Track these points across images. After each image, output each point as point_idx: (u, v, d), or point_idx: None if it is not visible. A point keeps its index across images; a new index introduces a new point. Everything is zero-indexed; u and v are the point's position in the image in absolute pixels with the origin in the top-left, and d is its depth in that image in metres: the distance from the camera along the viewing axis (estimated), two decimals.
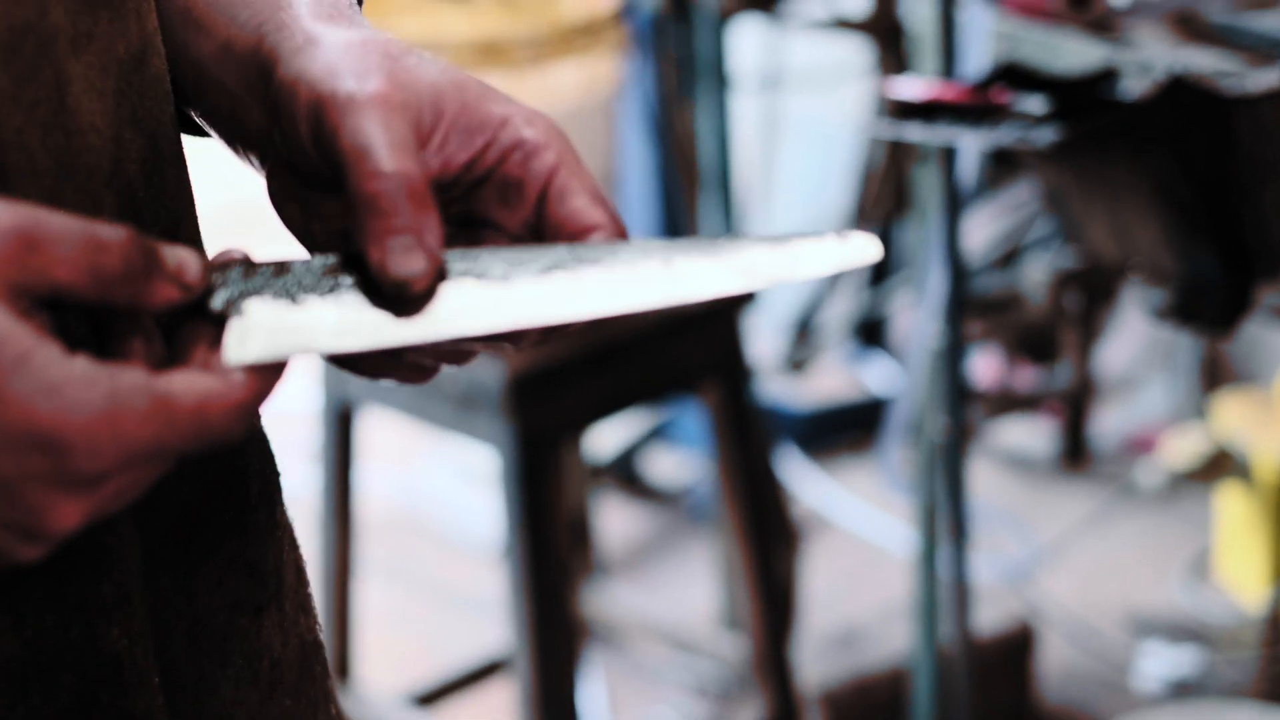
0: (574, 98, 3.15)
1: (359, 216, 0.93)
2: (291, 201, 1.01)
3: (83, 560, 0.94)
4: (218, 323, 0.89)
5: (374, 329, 0.91)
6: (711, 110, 3.80)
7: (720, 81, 3.80)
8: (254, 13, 1.02)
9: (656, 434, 4.45)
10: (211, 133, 1.07)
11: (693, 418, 4.23)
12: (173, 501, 1.02)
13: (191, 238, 1.05)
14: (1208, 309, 2.33)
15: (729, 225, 3.99)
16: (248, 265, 0.91)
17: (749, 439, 3.12)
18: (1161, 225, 2.28)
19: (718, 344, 3.06)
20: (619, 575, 4.13)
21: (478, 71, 3.15)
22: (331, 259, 0.93)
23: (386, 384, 1.03)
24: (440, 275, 0.93)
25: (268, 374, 0.88)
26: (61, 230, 0.83)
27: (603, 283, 0.93)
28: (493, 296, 0.92)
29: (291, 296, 0.91)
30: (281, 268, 0.92)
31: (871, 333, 4.85)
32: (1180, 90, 2.15)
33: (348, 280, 0.92)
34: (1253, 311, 2.35)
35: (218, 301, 0.89)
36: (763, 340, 4.66)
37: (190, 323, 0.89)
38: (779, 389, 4.62)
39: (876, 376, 4.77)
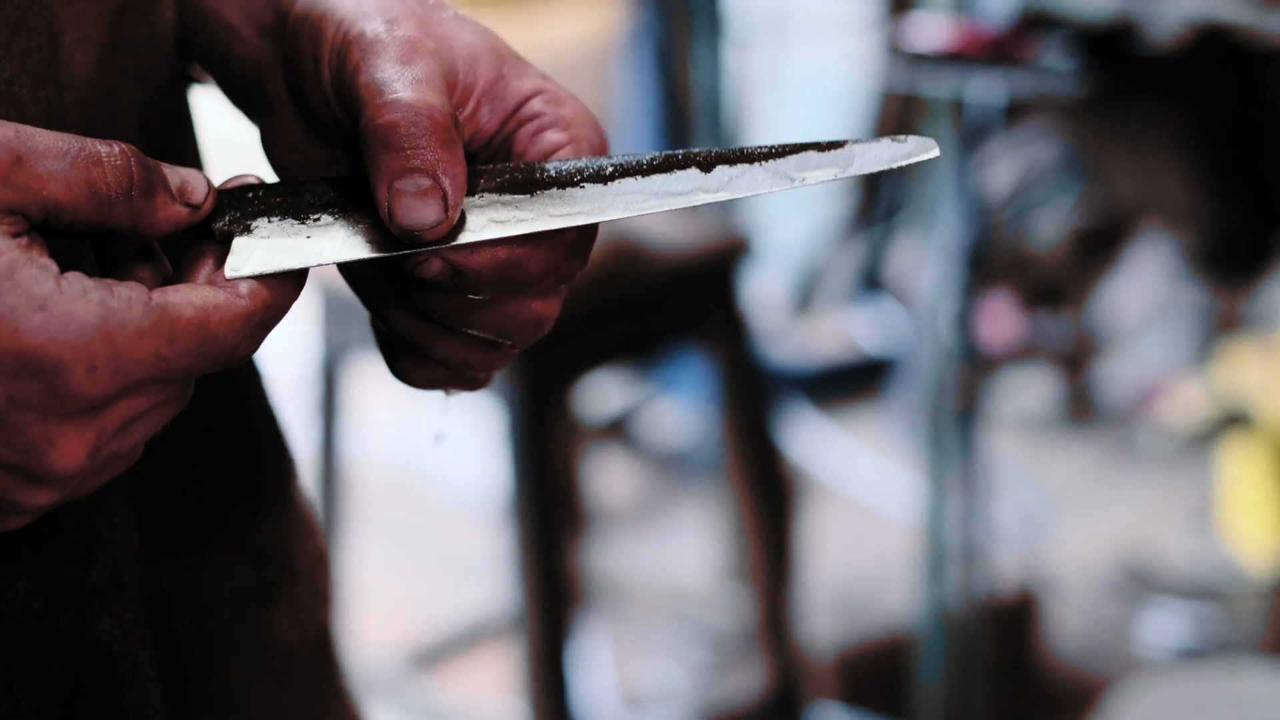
0: (576, 44, 3.10)
1: (370, 154, 0.83)
2: (294, 152, 0.92)
3: (72, 543, 0.88)
4: (224, 242, 0.83)
5: (383, 242, 0.83)
6: (707, 58, 3.75)
7: (715, 28, 3.75)
8: None
9: (654, 392, 4.41)
10: (206, 75, 1.00)
11: (691, 374, 4.19)
12: (173, 480, 0.96)
13: None
14: (1232, 256, 2.29)
15: None
16: (260, 187, 0.85)
17: (753, 392, 3.08)
18: (1187, 173, 2.23)
19: (720, 295, 3.02)
20: (617, 533, 4.10)
21: (479, 15, 3.10)
22: (346, 179, 0.86)
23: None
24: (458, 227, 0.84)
25: (275, 288, 0.81)
26: (51, 144, 0.77)
27: (641, 185, 0.85)
28: (520, 203, 0.85)
29: (300, 214, 0.84)
30: (295, 189, 0.85)
31: (874, 278, 4.81)
32: (1210, 44, 2.10)
33: (361, 197, 0.85)
34: (1276, 261, 2.31)
35: (224, 221, 0.83)
36: (767, 287, 4.61)
37: (196, 245, 0.83)
38: (782, 342, 4.58)
39: (881, 324, 4.73)
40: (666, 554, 4.04)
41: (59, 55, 0.87)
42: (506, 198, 0.85)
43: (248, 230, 0.83)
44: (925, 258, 3.11)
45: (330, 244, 0.83)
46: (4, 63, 0.84)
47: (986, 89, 2.30)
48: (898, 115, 4.31)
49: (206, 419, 0.98)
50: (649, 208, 0.85)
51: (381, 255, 0.83)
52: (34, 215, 0.76)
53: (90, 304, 0.75)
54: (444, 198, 0.82)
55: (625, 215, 0.85)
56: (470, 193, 0.85)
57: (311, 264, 0.82)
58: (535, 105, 0.89)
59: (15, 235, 0.75)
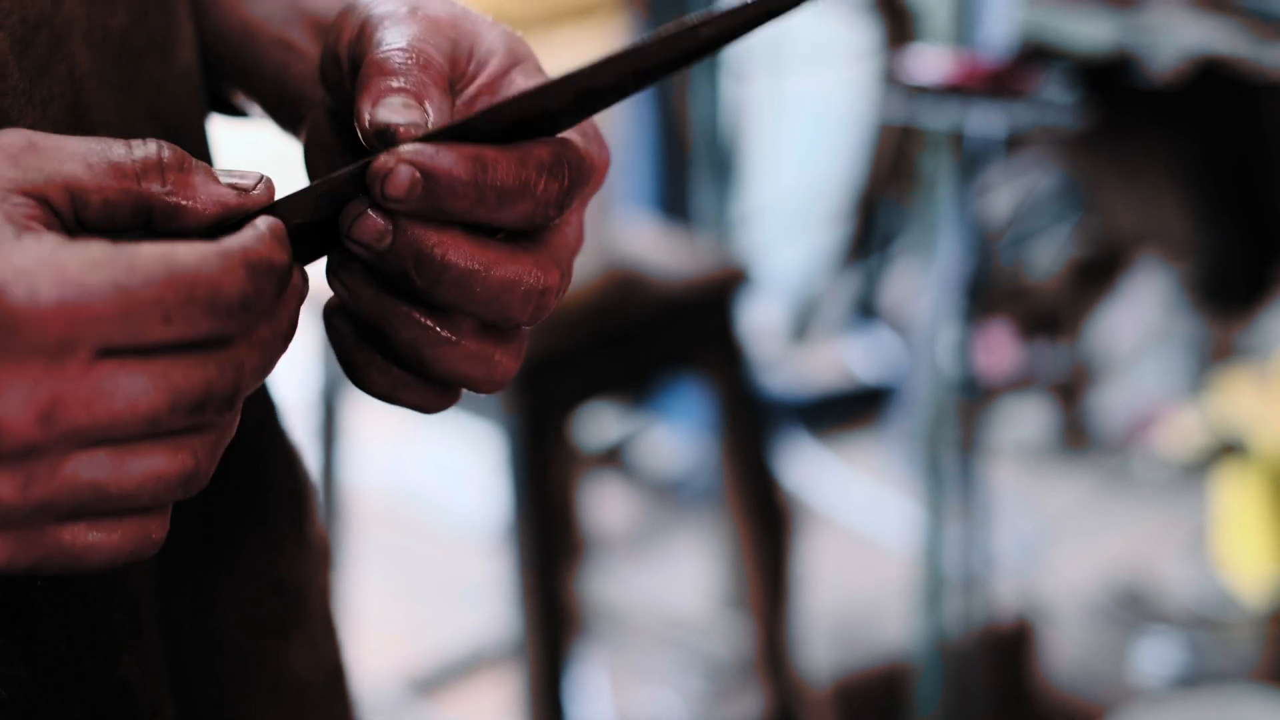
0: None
1: (360, 83, 0.81)
2: (331, 156, 0.91)
3: (96, 583, 0.87)
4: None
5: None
6: (705, 85, 3.76)
7: (713, 58, 3.75)
8: None
9: (651, 419, 4.42)
10: (250, 102, 0.99)
11: (687, 402, 4.19)
12: (188, 512, 0.95)
13: None
14: (1230, 286, 2.30)
15: (723, 200, 3.94)
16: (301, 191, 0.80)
17: (750, 420, 3.09)
18: (1185, 204, 2.25)
19: (718, 324, 3.03)
20: (615, 560, 4.10)
21: None
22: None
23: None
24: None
25: (264, 232, 0.74)
26: (70, 139, 0.74)
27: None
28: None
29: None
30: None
31: (870, 306, 4.82)
32: (1208, 77, 2.11)
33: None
34: (1272, 292, 2.32)
35: None
36: (764, 316, 4.62)
37: None
38: (779, 370, 4.58)
39: (877, 352, 4.74)
40: (663, 581, 4.04)
41: (81, 101, 0.86)
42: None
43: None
44: (922, 286, 3.12)
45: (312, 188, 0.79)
46: (25, 111, 0.83)
47: (986, 121, 2.31)
48: (895, 145, 4.32)
49: None
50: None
51: (348, 171, 0.79)
52: (56, 200, 0.72)
53: (44, 243, 0.69)
54: (425, 113, 0.80)
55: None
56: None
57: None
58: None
59: (20, 217, 0.71)
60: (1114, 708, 3.44)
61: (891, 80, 2.58)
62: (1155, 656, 3.65)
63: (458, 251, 0.79)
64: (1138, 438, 4.43)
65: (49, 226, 0.72)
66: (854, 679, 3.37)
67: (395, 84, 0.80)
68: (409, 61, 0.81)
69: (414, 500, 4.41)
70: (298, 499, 1.07)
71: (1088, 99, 2.20)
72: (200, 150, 0.99)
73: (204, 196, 0.76)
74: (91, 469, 0.70)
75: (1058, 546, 4.05)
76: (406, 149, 0.78)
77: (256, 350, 0.74)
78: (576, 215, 0.88)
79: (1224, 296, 2.29)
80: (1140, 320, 4.69)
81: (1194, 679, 3.60)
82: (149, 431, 0.71)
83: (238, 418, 0.76)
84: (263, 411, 1.05)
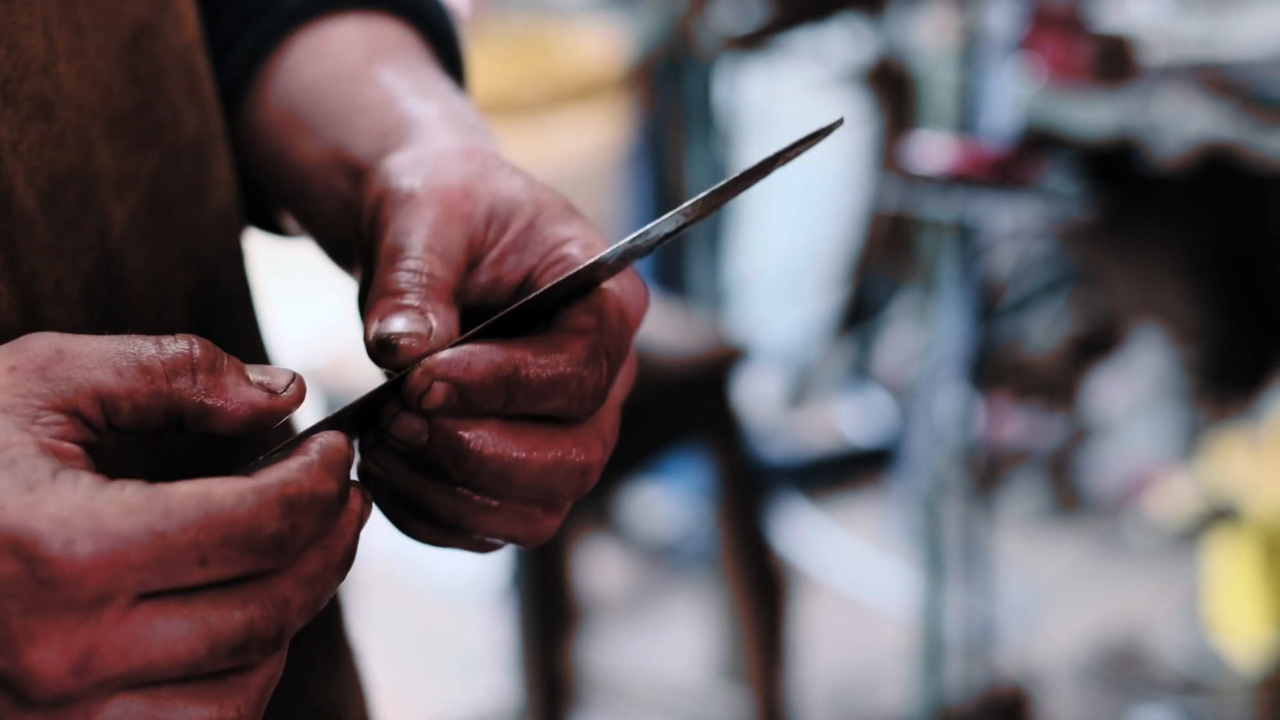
0: (582, 156, 3.13)
1: (370, 302, 0.81)
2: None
3: None
4: None
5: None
6: (700, 152, 3.77)
7: (708, 129, 3.78)
8: (375, 120, 0.94)
9: (645, 483, 4.41)
10: (309, 237, 1.00)
11: (682, 466, 4.19)
12: None
13: None
14: (1232, 372, 2.31)
15: (718, 268, 3.95)
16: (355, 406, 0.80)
17: (747, 487, 3.10)
18: (1189, 289, 2.26)
19: (716, 399, 3.04)
20: (610, 626, 4.09)
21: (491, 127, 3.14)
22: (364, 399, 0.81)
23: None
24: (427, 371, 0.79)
25: (303, 464, 0.74)
26: (96, 340, 0.73)
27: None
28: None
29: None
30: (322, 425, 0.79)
31: (865, 371, 4.83)
32: (1212, 165, 2.13)
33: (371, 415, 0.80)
34: (1273, 378, 2.33)
35: None
36: (760, 384, 4.63)
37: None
38: (776, 436, 4.58)
39: (872, 417, 4.74)
40: (659, 648, 4.03)
41: (109, 252, 0.86)
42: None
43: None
44: (918, 353, 3.13)
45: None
46: (54, 265, 0.83)
47: (990, 211, 2.32)
48: (890, 220, 4.33)
49: None
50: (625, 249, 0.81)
51: (372, 394, 0.79)
52: (87, 410, 0.72)
53: (80, 488, 0.68)
54: (428, 327, 0.80)
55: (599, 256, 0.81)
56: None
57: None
58: (567, 250, 0.86)
59: (51, 439, 0.70)
60: None
61: (890, 167, 2.59)
62: None
63: (495, 444, 0.80)
64: (1131, 503, 4.44)
65: (82, 439, 0.71)
66: None
67: (403, 301, 0.81)
68: (414, 285, 0.81)
69: (411, 566, 4.40)
70: (331, 617, 1.06)
71: (1092, 188, 2.22)
72: (236, 286, 0.98)
73: (235, 398, 0.74)
74: (128, 716, 0.69)
75: (1052, 612, 4.05)
76: (440, 360, 0.78)
77: (304, 586, 0.73)
78: (623, 370, 0.88)
79: (1224, 382, 2.30)
80: (1134, 383, 4.71)
81: None
82: (189, 675, 0.69)
83: (284, 657, 0.74)
84: None
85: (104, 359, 0.72)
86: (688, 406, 3.03)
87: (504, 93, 3.05)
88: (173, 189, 0.91)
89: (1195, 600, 4.01)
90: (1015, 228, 2.40)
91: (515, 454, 0.80)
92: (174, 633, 0.68)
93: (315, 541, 0.73)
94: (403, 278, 0.81)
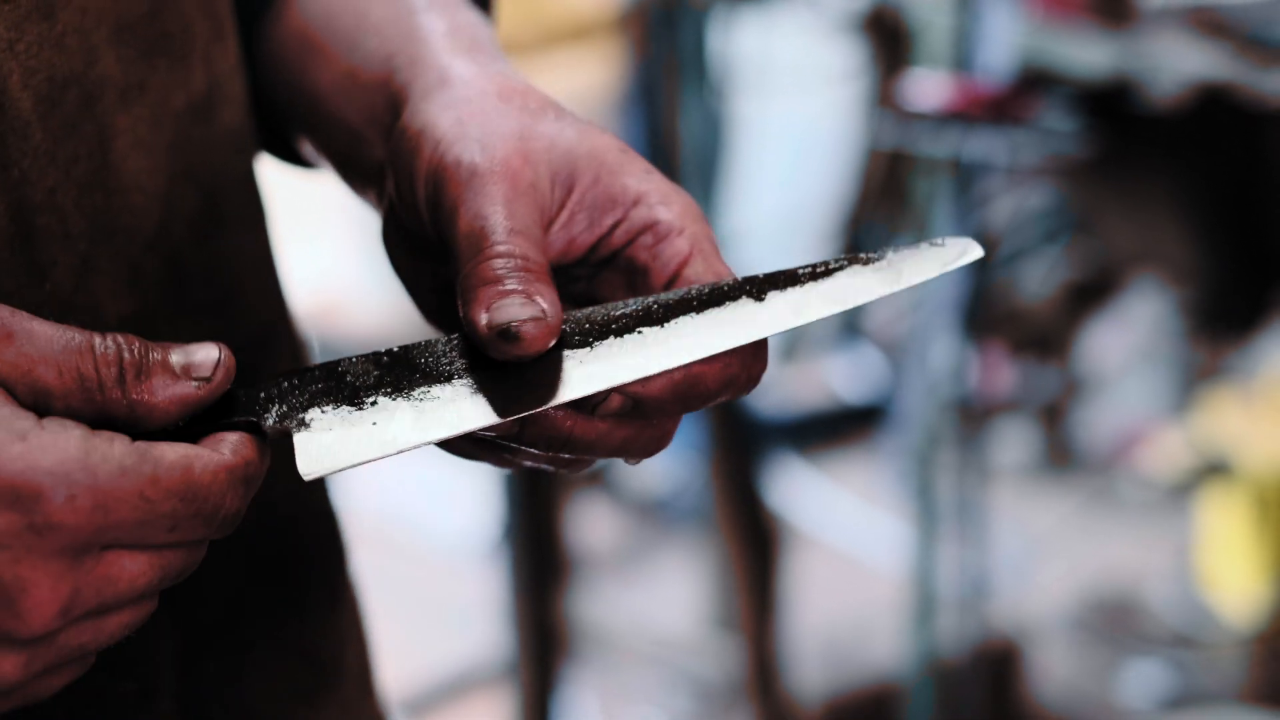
0: (574, 95, 3.11)
1: (466, 291, 0.81)
2: (402, 249, 0.90)
3: (101, 659, 0.84)
4: (278, 439, 0.79)
5: (456, 418, 0.79)
6: (693, 105, 3.76)
7: (703, 79, 3.76)
8: (383, 41, 0.92)
9: None
10: (326, 165, 0.98)
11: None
12: (217, 582, 0.95)
13: (250, 311, 0.96)
14: (1228, 311, 2.31)
15: (711, 220, 3.94)
16: (293, 374, 0.81)
17: (739, 441, 3.09)
18: (1185, 230, 2.25)
19: None
20: (603, 580, 4.10)
21: None
22: (384, 354, 0.82)
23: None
24: (554, 340, 0.80)
25: (259, 447, 0.78)
26: (44, 329, 0.74)
27: (693, 330, 0.83)
28: (581, 361, 0.82)
29: (353, 400, 0.80)
30: (331, 371, 0.81)
31: (856, 326, 4.82)
32: (1209, 104, 2.12)
33: (412, 373, 0.81)
34: (1269, 317, 2.33)
35: (272, 418, 0.79)
36: None
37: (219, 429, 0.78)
38: (767, 391, 4.58)
39: (864, 372, 4.74)
40: (652, 601, 4.03)
41: (109, 161, 0.85)
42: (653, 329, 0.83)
43: (303, 425, 0.79)
44: (910, 307, 3.12)
45: (400, 429, 0.79)
46: (48, 171, 0.82)
47: (985, 148, 2.31)
48: (885, 168, 4.33)
49: (251, 519, 0.94)
50: (712, 347, 0.82)
51: (455, 434, 0.80)
52: (22, 395, 0.74)
53: (72, 437, 0.72)
54: (540, 309, 0.80)
55: (688, 359, 0.82)
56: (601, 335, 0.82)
57: (388, 453, 0.79)
58: (644, 212, 0.86)
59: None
60: None
61: (885, 104, 2.58)
62: (1142, 677, 3.66)
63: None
64: (1124, 457, 4.44)
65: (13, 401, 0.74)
66: (844, 699, 3.36)
67: (506, 287, 0.80)
68: (511, 270, 0.81)
69: (404, 521, 4.40)
70: (331, 566, 1.06)
71: (1088, 126, 2.21)
72: (245, 208, 0.97)
73: (164, 401, 0.76)
74: (80, 635, 0.75)
75: (1044, 566, 4.05)
76: (623, 401, 0.81)
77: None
78: None
79: (1221, 321, 2.30)
80: (1130, 340, 4.70)
81: (1180, 699, 3.60)
82: (138, 599, 0.76)
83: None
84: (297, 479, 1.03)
85: (48, 355, 0.74)
86: None
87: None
88: (180, 103, 0.89)
89: (1187, 555, 4.02)
90: (1011, 164, 2.39)
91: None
92: (138, 570, 0.74)
93: None
94: (498, 265, 0.81)
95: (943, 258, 0.84)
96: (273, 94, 1.00)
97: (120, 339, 0.76)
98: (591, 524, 4.25)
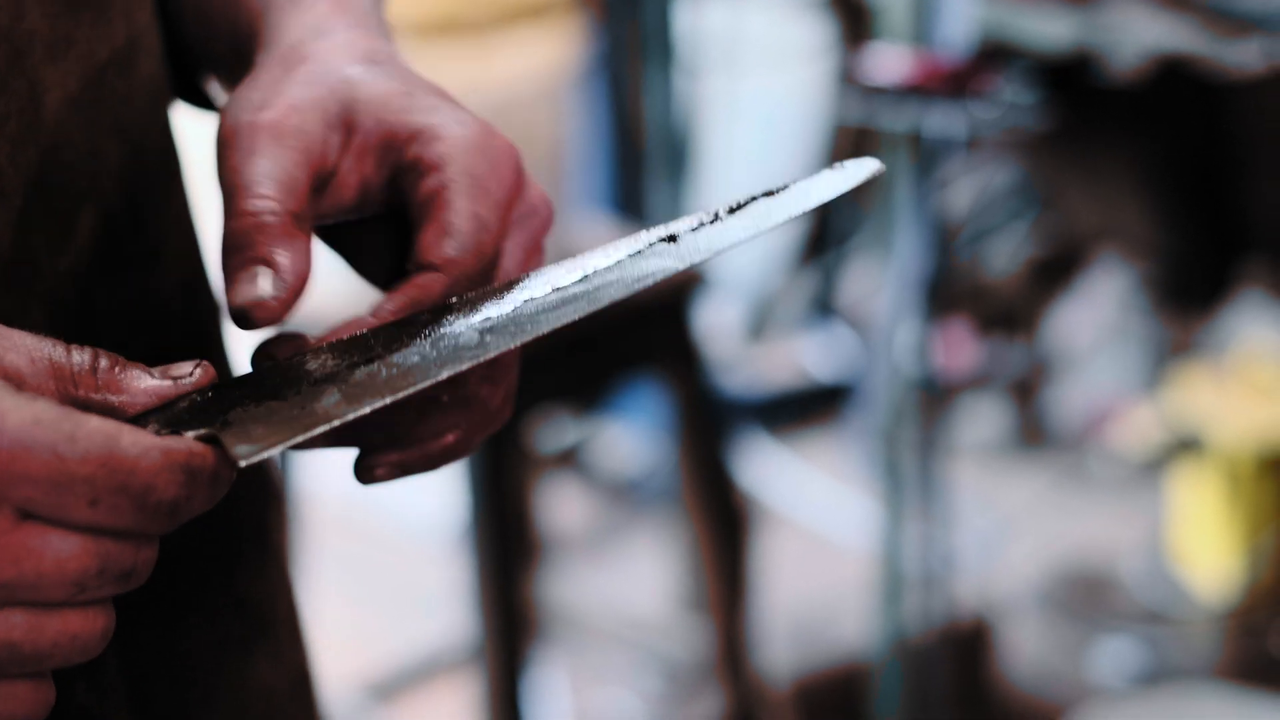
0: (530, 76, 3.09)
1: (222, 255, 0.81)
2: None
3: None
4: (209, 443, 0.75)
5: (387, 387, 0.77)
6: (659, 83, 3.75)
7: (667, 57, 3.75)
8: None
9: (606, 420, 4.40)
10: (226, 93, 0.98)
11: (643, 402, 4.18)
12: None
13: (180, 260, 0.96)
14: (1191, 285, 2.30)
15: (678, 199, 3.93)
16: (214, 386, 0.77)
17: (707, 421, 3.08)
18: (1146, 203, 2.24)
19: (675, 328, 3.02)
20: (572, 562, 4.09)
21: (436, 48, 3.12)
22: (306, 354, 0.79)
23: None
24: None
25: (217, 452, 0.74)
26: (14, 331, 0.73)
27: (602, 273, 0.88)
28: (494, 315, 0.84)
29: (278, 394, 0.77)
30: (257, 377, 0.78)
31: (827, 304, 4.81)
32: (1169, 76, 2.11)
33: (339, 362, 0.79)
34: (1233, 291, 2.32)
35: (199, 427, 0.75)
36: (721, 316, 4.61)
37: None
38: (736, 370, 4.57)
39: (834, 351, 4.73)
40: (621, 583, 4.03)
41: (41, 116, 0.84)
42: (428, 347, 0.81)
43: (229, 422, 0.75)
44: (880, 285, 3.11)
45: (330, 402, 0.77)
46: None
47: (945, 122, 2.30)
48: (852, 145, 4.32)
49: None
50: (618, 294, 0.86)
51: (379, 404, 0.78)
52: None
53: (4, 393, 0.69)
54: (278, 280, 0.79)
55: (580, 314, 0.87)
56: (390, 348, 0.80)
57: (319, 428, 0.76)
58: (415, 149, 0.84)
59: None
60: (1073, 706, 3.43)
61: (848, 80, 2.57)
62: (1114, 654, 3.66)
63: None
64: (1095, 434, 4.44)
65: None
66: (814, 679, 3.36)
67: (246, 255, 0.79)
68: (252, 232, 0.80)
69: (369, 506, 4.39)
70: (262, 512, 1.05)
71: (1048, 99, 2.20)
72: (165, 158, 0.96)
73: (137, 391, 0.74)
74: (6, 624, 0.69)
75: (1015, 544, 4.05)
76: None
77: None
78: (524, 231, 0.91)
79: (1184, 296, 2.29)
80: (1097, 315, 4.70)
81: (1153, 677, 3.60)
82: (73, 595, 0.70)
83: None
84: None
85: (20, 346, 0.72)
86: (645, 335, 3.01)
87: (448, 10, 3.01)
88: (103, 55, 0.89)
89: (1159, 531, 4.01)
90: (971, 138, 2.39)
91: None
92: (66, 550, 0.68)
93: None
94: (239, 226, 0.80)
95: (847, 176, 0.85)
96: (184, 33, 1.00)
97: (92, 349, 0.74)
98: (560, 505, 4.24)
